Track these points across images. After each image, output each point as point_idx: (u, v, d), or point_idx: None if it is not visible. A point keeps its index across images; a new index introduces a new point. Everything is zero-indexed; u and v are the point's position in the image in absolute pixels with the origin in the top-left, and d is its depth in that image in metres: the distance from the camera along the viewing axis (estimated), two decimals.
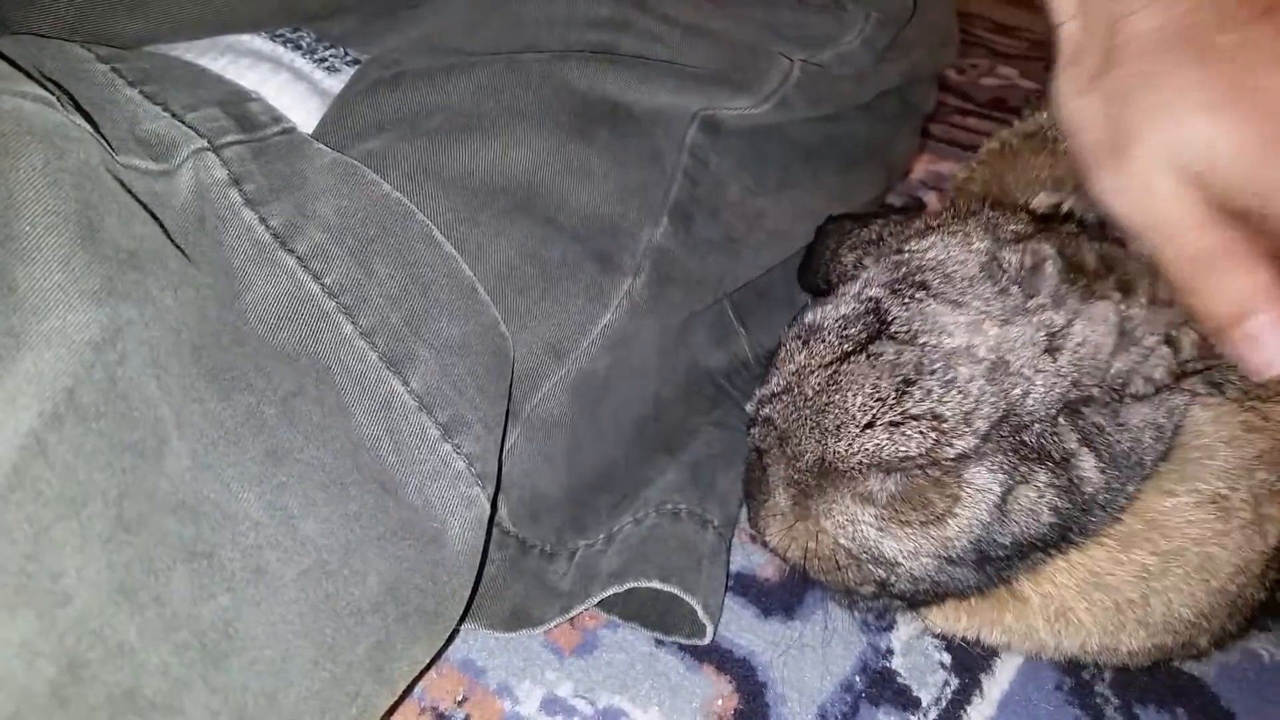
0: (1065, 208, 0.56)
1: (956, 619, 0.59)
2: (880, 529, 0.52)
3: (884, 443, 0.50)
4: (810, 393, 0.52)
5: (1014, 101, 1.40)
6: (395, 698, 0.48)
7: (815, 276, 0.66)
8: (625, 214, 0.61)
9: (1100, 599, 0.54)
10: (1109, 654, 0.58)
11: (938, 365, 0.49)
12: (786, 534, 0.55)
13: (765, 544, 0.57)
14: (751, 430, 0.57)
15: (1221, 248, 0.45)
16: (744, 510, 0.67)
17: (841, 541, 0.53)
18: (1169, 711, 0.61)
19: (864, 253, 0.62)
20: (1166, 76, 0.45)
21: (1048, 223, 0.56)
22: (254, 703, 0.40)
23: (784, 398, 0.54)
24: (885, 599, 0.56)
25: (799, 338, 0.55)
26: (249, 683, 0.39)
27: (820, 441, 0.52)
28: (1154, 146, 0.45)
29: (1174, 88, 0.44)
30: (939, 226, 0.57)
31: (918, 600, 0.56)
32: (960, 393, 0.49)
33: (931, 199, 1.10)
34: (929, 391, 0.49)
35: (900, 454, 0.49)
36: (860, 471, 0.51)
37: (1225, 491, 0.52)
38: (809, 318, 0.56)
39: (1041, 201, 0.57)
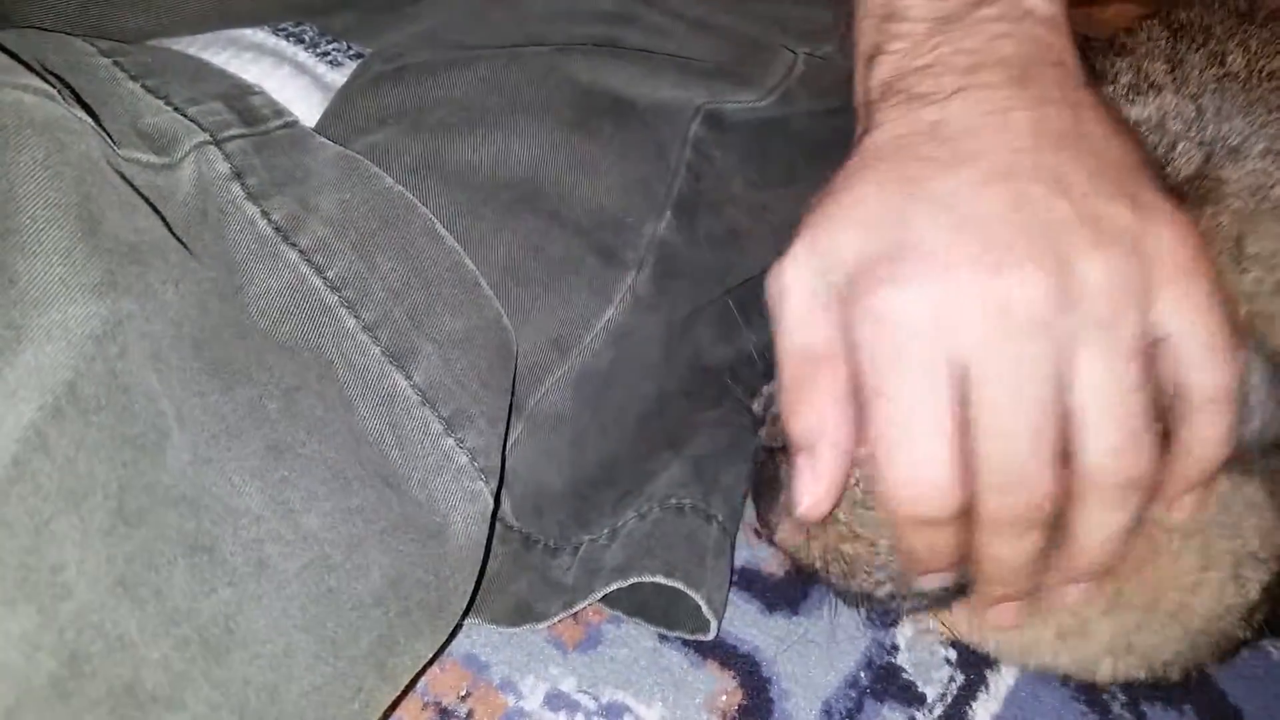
0: None
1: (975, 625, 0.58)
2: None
3: None
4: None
5: None
6: (398, 692, 0.47)
7: None
8: (629, 208, 0.61)
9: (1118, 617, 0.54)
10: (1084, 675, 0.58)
11: None
12: (800, 534, 0.54)
13: (774, 543, 0.56)
14: (762, 429, 0.57)
15: (807, 370, 0.45)
16: (748, 505, 0.67)
17: (864, 537, 0.52)
18: (1176, 708, 0.61)
19: None
20: (854, 188, 0.45)
21: None
22: (255, 697, 0.39)
23: None
24: (900, 600, 0.55)
25: None
26: (250, 677, 0.39)
27: None
28: (806, 246, 0.45)
29: (851, 198, 0.44)
30: None
31: (938, 601, 0.55)
32: None
33: None
34: None
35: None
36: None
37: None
38: None
39: None
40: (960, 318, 0.41)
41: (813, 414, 0.45)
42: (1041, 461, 0.41)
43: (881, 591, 0.54)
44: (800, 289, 0.45)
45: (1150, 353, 0.42)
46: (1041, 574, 0.47)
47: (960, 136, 0.43)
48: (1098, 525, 0.44)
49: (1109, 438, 0.41)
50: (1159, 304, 0.42)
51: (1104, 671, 0.56)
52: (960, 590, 0.54)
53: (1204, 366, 0.43)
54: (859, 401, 0.44)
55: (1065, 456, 0.42)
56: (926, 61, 0.47)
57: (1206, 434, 0.44)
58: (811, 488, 0.46)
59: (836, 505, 0.52)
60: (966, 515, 0.44)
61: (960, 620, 0.58)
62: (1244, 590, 0.53)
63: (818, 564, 0.55)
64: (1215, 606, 0.53)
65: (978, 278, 0.40)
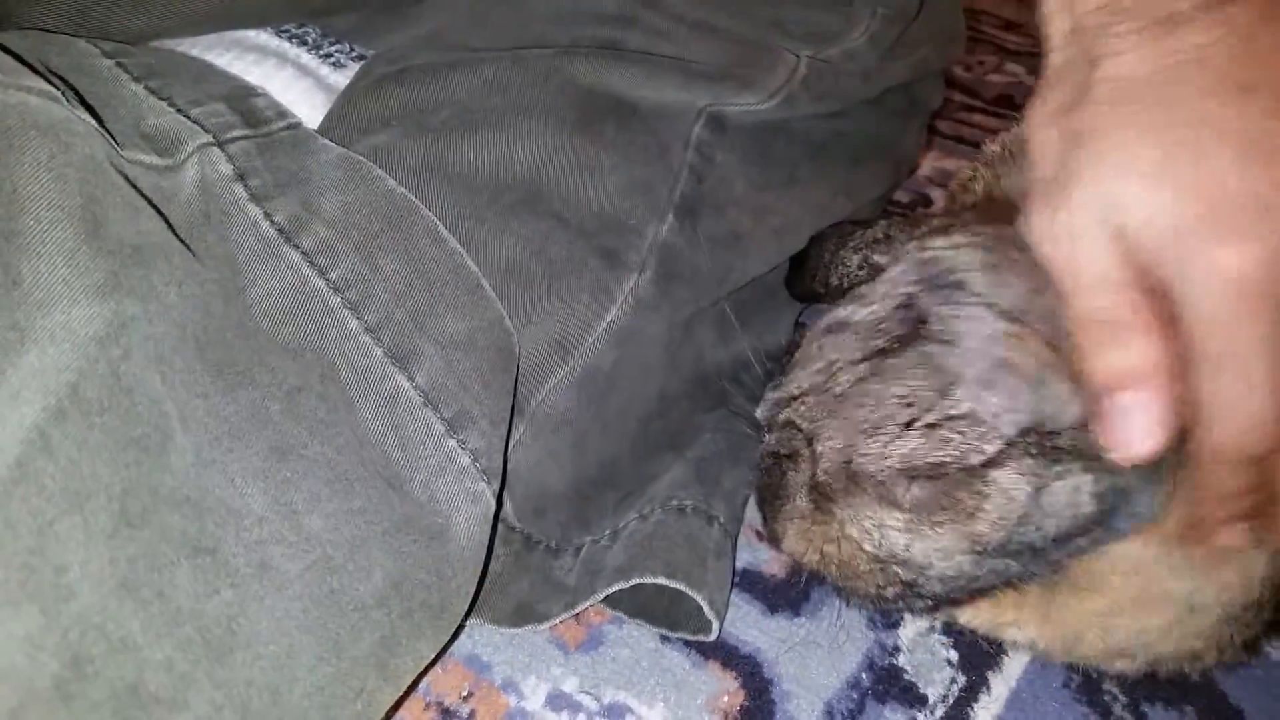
0: None
1: (1005, 615, 0.58)
2: (909, 532, 0.51)
3: (920, 446, 0.49)
4: (840, 391, 0.52)
5: (1021, 98, 1.39)
6: (400, 693, 0.48)
7: (810, 283, 0.66)
8: (631, 210, 0.61)
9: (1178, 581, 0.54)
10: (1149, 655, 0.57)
11: (975, 365, 0.49)
12: (805, 538, 0.54)
13: (780, 548, 0.56)
14: (768, 435, 0.56)
15: (1122, 314, 0.44)
16: (749, 507, 0.67)
17: (866, 547, 0.52)
18: (1177, 709, 0.61)
19: (871, 252, 0.61)
20: (1122, 131, 0.43)
21: None
22: (258, 697, 0.40)
23: (808, 399, 0.53)
24: (911, 600, 0.55)
25: (827, 333, 0.54)
26: (253, 678, 0.39)
27: (850, 442, 0.51)
28: (1090, 197, 0.44)
29: (1127, 144, 0.43)
30: (963, 227, 0.57)
31: (947, 600, 0.55)
32: (998, 396, 0.48)
33: (938, 196, 1.10)
34: (969, 390, 0.49)
35: (936, 458, 0.49)
36: (890, 476, 0.50)
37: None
38: (837, 315, 0.55)
39: None
40: None
41: (1145, 349, 0.44)
42: None
43: (890, 591, 0.54)
44: (1092, 231, 0.44)
45: None
46: None
47: (1226, 62, 0.42)
48: None
49: None
50: None
51: (1167, 648, 0.56)
52: (972, 592, 0.54)
53: None
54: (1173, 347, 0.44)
55: None
56: None
57: None
58: (1146, 430, 0.45)
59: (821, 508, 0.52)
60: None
61: (993, 612, 0.58)
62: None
63: (822, 568, 0.55)
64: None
65: None
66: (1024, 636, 0.58)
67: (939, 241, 0.55)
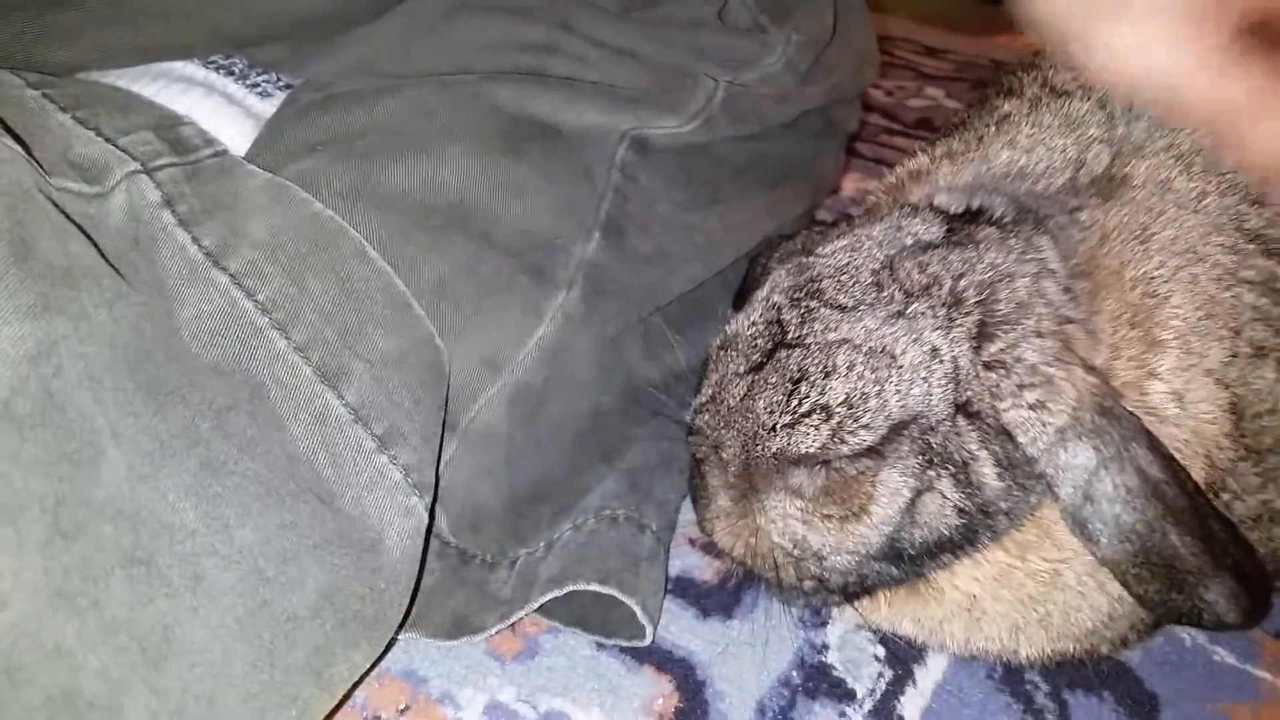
0: (975, 205, 0.58)
1: (875, 608, 0.60)
2: (805, 522, 0.54)
3: (786, 444, 0.52)
4: (732, 402, 0.54)
5: (939, 121, 1.44)
6: (335, 701, 0.48)
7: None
8: (558, 230, 0.62)
9: (1006, 596, 0.57)
10: (1010, 655, 0.60)
11: (817, 358, 0.52)
12: (731, 533, 0.57)
13: (713, 544, 0.58)
14: (690, 439, 0.58)
15: (1250, 92, 0.43)
16: (682, 515, 0.69)
17: (775, 538, 0.55)
18: (1096, 696, 0.63)
19: (780, 259, 0.64)
20: None
21: (961, 222, 0.58)
22: (194, 704, 0.40)
23: (710, 407, 0.56)
24: (824, 594, 0.57)
25: (721, 348, 0.57)
26: (189, 685, 0.40)
27: (744, 447, 0.54)
28: None
29: None
30: (850, 230, 0.59)
31: (851, 594, 0.58)
32: (841, 379, 0.51)
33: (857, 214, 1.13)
34: (813, 385, 0.51)
35: (800, 451, 0.52)
36: (780, 470, 0.53)
37: None
38: (729, 329, 0.58)
39: (950, 201, 0.58)
40: None
41: None
42: None
43: (807, 585, 0.56)
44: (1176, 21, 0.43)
45: None
46: None
47: None
48: None
49: None
50: None
51: (1024, 650, 0.59)
52: (866, 589, 0.57)
53: None
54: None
55: None
56: None
57: None
58: None
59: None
60: None
61: (872, 607, 0.61)
62: None
63: (750, 562, 0.57)
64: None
65: None
66: (907, 632, 0.62)
67: (823, 248, 0.58)
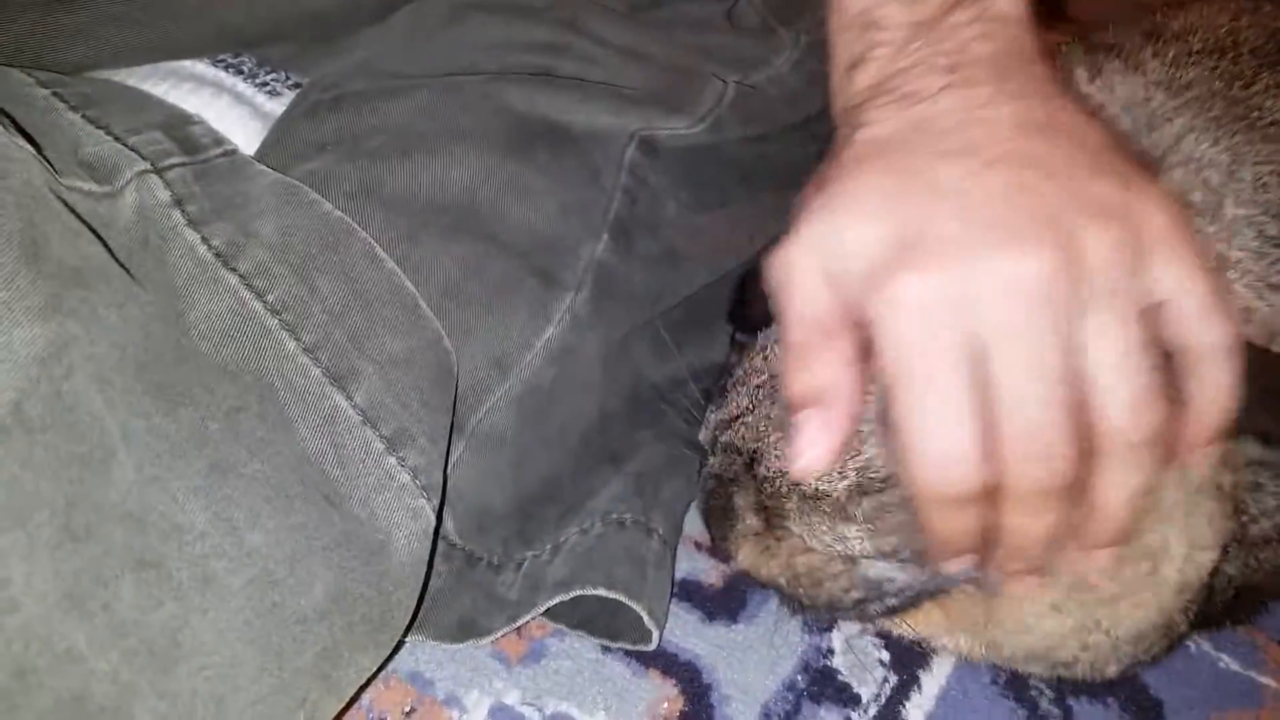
0: None
1: (926, 620, 0.60)
2: (870, 539, 0.53)
3: (874, 457, 0.50)
4: (782, 409, 0.53)
5: None
6: (343, 704, 0.48)
7: (757, 309, 0.67)
8: (566, 231, 0.62)
9: (1080, 602, 0.56)
10: (1066, 666, 0.59)
11: None
12: (763, 555, 0.56)
13: (733, 564, 0.58)
14: (711, 458, 0.58)
15: (814, 340, 0.47)
16: (688, 519, 0.69)
17: (837, 549, 0.54)
18: (1100, 702, 0.63)
19: None
20: (853, 180, 0.47)
21: None
22: (203, 708, 0.40)
23: (748, 418, 0.55)
24: (872, 603, 0.56)
25: (763, 353, 0.56)
26: (198, 688, 0.40)
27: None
28: (810, 234, 0.47)
29: (852, 191, 0.47)
30: None
31: (907, 602, 0.57)
32: None
33: None
34: None
35: (889, 469, 0.50)
36: (846, 494, 0.52)
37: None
38: (773, 334, 0.57)
39: None
40: (979, 299, 0.43)
41: (826, 371, 0.47)
42: (1062, 429, 0.43)
43: (852, 595, 0.55)
44: (806, 266, 0.47)
45: (1151, 315, 0.45)
46: (1060, 545, 0.48)
47: (952, 130, 0.46)
48: (1118, 485, 0.45)
49: (1123, 395, 0.43)
50: (1153, 269, 0.44)
51: (1086, 656, 0.58)
52: (929, 593, 0.56)
53: (1204, 324, 0.45)
54: (864, 379, 0.47)
55: (1081, 427, 0.44)
56: (909, 64, 0.49)
57: (1213, 383, 0.46)
58: (815, 443, 0.48)
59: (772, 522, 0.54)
60: (987, 495, 0.45)
61: (931, 619, 0.60)
62: (1197, 574, 0.55)
63: (780, 580, 0.56)
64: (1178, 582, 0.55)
65: (993, 260, 0.43)
66: (951, 643, 0.61)
67: None
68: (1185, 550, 0.54)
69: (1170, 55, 0.68)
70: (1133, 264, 0.44)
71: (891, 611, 0.58)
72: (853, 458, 0.51)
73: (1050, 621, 0.57)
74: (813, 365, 0.48)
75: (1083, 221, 0.43)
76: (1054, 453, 0.44)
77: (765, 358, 0.56)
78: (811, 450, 0.48)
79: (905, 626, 0.61)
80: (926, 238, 0.44)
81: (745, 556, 0.57)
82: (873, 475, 0.51)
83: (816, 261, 0.47)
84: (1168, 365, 0.46)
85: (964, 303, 0.43)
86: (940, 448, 0.44)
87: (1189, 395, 0.46)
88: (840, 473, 0.51)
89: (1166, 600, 0.56)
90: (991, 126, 0.46)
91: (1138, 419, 0.44)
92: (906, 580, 0.54)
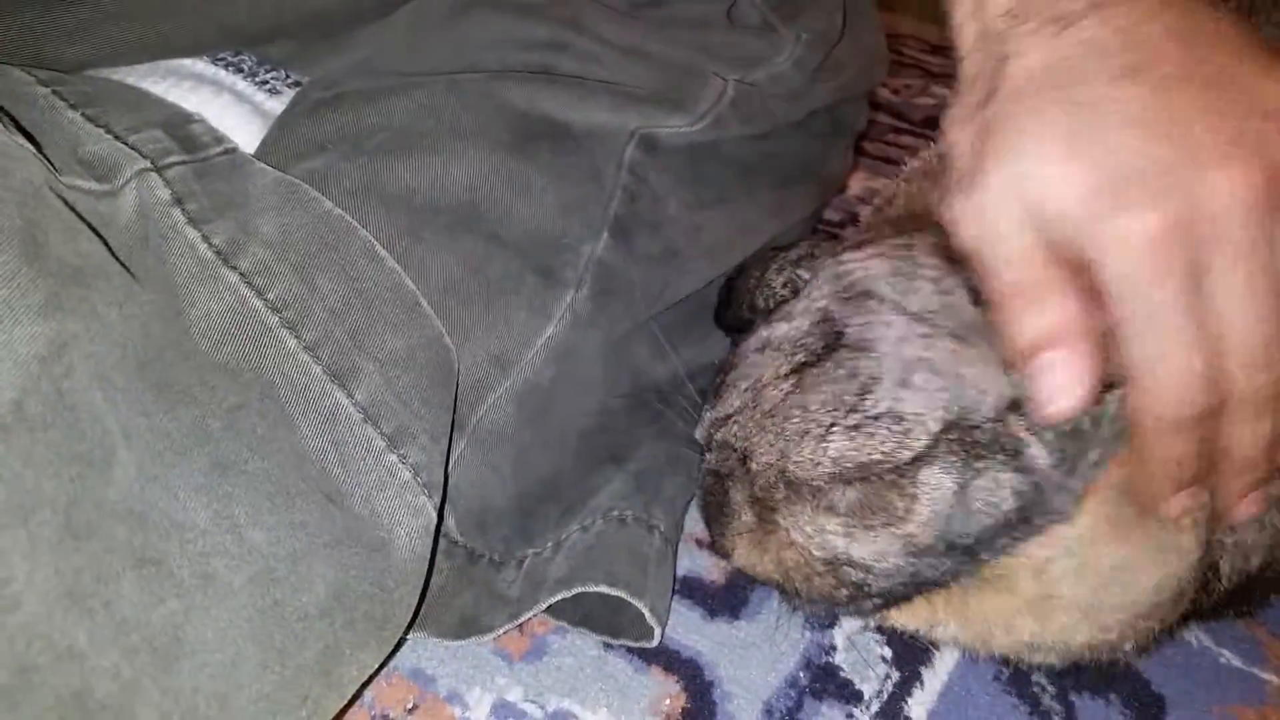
0: None
1: (918, 611, 0.59)
2: (847, 535, 0.53)
3: (845, 448, 0.51)
4: (769, 406, 0.53)
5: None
6: (345, 701, 0.48)
7: (740, 311, 0.68)
8: (567, 229, 0.62)
9: (1078, 586, 0.55)
10: (1063, 647, 0.59)
11: (895, 371, 0.51)
12: (756, 551, 0.56)
13: (731, 562, 0.58)
14: (707, 455, 0.58)
15: (1038, 282, 0.47)
16: (689, 516, 0.69)
17: (814, 552, 0.54)
18: (1102, 697, 0.63)
19: (795, 270, 0.63)
20: (1030, 117, 0.47)
21: None
22: (205, 705, 0.40)
23: (739, 417, 0.55)
24: (861, 601, 0.56)
25: (754, 353, 0.56)
26: (200, 685, 0.40)
27: (783, 453, 0.53)
28: (1002, 180, 0.47)
29: (1033, 129, 0.46)
30: (877, 240, 0.59)
31: (895, 597, 0.57)
32: (916, 393, 0.50)
33: (866, 214, 1.13)
34: (888, 393, 0.50)
35: (862, 458, 0.51)
36: (823, 482, 0.52)
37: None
38: (762, 335, 0.57)
39: None
40: (1198, 224, 0.43)
41: (1058, 314, 0.47)
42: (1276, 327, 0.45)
43: (842, 593, 0.55)
44: (1007, 213, 0.46)
45: None
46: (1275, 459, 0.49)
47: (1113, 52, 0.46)
48: None
49: None
50: None
51: (1079, 639, 0.58)
52: (915, 588, 0.56)
53: None
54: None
55: None
56: None
57: None
58: (1070, 385, 0.47)
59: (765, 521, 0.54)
60: (1211, 415, 0.46)
61: (919, 613, 0.60)
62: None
63: (775, 576, 0.56)
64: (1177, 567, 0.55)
65: (1205, 184, 0.43)
66: (946, 634, 0.61)
67: (853, 255, 0.57)
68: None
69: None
70: None
71: (882, 606, 0.58)
72: (822, 443, 0.51)
73: (1029, 621, 0.58)
74: (1047, 306, 0.47)
75: (1271, 130, 0.44)
76: (1275, 359, 0.45)
77: (754, 356, 0.56)
78: (1064, 392, 0.47)
79: (899, 619, 0.61)
80: (1132, 171, 0.44)
81: (741, 554, 0.57)
82: (855, 461, 0.51)
83: (1014, 206, 0.46)
84: None
85: (1186, 230, 0.43)
86: (1176, 373, 0.45)
87: None
88: (814, 461, 0.52)
89: (1153, 598, 0.56)
90: (1151, 44, 0.45)
91: None
92: (885, 584, 0.55)
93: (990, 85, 0.49)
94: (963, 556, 0.54)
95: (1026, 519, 0.53)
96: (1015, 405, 0.51)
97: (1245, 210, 0.43)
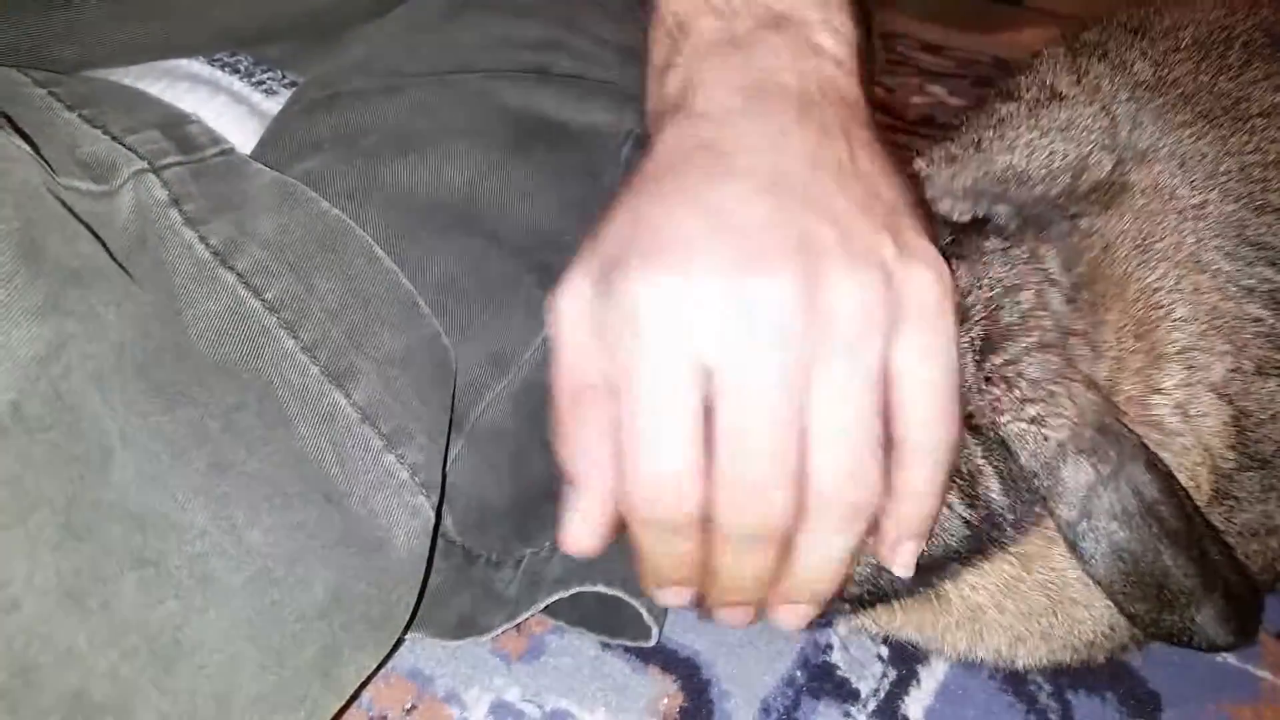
0: (980, 214, 0.58)
1: (886, 615, 0.60)
2: None
3: None
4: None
5: (942, 119, 1.44)
6: (343, 702, 0.48)
7: None
8: (564, 228, 0.62)
9: (1011, 607, 0.56)
10: (1007, 666, 0.60)
11: None
12: None
13: None
14: None
15: (582, 403, 0.43)
16: None
17: None
18: (1099, 696, 0.63)
19: None
20: (626, 207, 0.44)
21: (967, 232, 0.58)
22: (204, 705, 0.40)
23: None
24: (837, 603, 0.56)
25: None
26: (198, 686, 0.40)
27: None
28: (577, 276, 0.43)
29: (620, 210, 0.44)
30: None
31: (865, 602, 0.57)
32: None
33: None
34: None
35: None
36: None
37: None
38: None
39: (954, 210, 0.58)
40: (706, 315, 0.39)
41: (577, 448, 0.43)
42: (776, 479, 0.40)
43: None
44: (573, 313, 0.43)
45: (885, 387, 0.41)
46: (774, 585, 0.45)
47: (735, 153, 0.42)
48: (821, 546, 0.43)
49: (839, 461, 0.40)
50: (900, 341, 0.41)
51: (1022, 658, 0.59)
52: (882, 595, 0.56)
53: (926, 417, 0.42)
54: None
55: (798, 477, 0.41)
56: (712, 80, 0.46)
57: (919, 485, 0.43)
58: (577, 530, 0.44)
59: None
60: (703, 527, 0.42)
61: (881, 615, 0.60)
62: None
63: None
64: None
65: (726, 277, 0.39)
66: (912, 638, 0.62)
67: None
68: None
69: (1159, 51, 0.68)
70: (883, 325, 0.40)
71: (861, 606, 0.58)
72: None
73: (996, 635, 0.58)
74: (571, 437, 0.43)
75: (839, 266, 0.40)
76: (767, 499, 0.41)
77: None
78: (571, 537, 0.45)
79: (871, 621, 0.62)
80: (671, 243, 0.40)
81: None
82: None
83: (585, 301, 0.42)
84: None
85: (693, 317, 0.39)
86: (651, 468, 0.40)
87: (893, 485, 0.43)
88: None
89: (1103, 623, 0.57)
90: (781, 157, 0.42)
91: (848, 487, 0.41)
92: (855, 590, 0.55)
93: (631, 171, 0.46)
94: (915, 577, 0.54)
95: (976, 549, 0.53)
96: (968, 421, 0.51)
97: (756, 321, 0.39)
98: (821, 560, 0.43)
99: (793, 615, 0.47)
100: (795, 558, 0.43)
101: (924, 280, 0.41)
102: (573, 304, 0.43)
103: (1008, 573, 0.55)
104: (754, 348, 0.39)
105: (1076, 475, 0.49)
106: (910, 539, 0.45)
